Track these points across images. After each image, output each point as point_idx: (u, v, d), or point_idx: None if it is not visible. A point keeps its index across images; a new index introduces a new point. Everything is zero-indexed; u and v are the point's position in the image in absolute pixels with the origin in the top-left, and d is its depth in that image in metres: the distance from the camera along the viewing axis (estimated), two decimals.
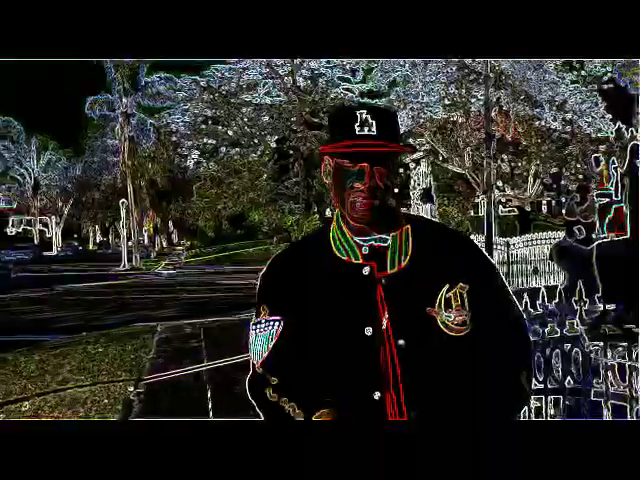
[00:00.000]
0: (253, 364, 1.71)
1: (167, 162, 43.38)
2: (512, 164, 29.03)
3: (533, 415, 2.65)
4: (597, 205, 8.40)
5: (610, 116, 27.91)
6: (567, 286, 7.00)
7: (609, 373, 2.20)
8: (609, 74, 28.01)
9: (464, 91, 27.36)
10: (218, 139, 38.73)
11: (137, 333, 10.53)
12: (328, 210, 33.24)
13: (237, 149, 38.22)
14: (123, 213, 33.23)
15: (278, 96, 35.98)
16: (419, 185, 34.58)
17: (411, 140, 32.22)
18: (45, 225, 55.48)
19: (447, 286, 1.59)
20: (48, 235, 54.65)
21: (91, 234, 61.90)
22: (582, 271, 6.92)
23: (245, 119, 36.78)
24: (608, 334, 2.09)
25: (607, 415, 2.21)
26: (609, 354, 2.09)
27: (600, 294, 5.91)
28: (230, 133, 37.68)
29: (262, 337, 1.67)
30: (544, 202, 32.27)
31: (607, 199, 8.10)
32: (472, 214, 29.67)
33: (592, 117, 27.62)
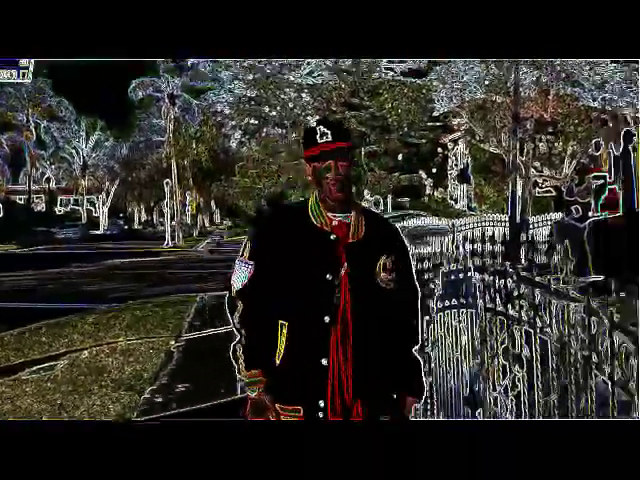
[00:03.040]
0: (232, 287, 2.40)
1: (211, 142, 44.36)
2: (549, 144, 29.05)
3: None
4: (593, 186, 9.04)
5: None
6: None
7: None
8: None
9: (504, 71, 27.40)
10: (260, 120, 39.47)
11: (178, 302, 11.42)
12: (366, 191, 33.76)
13: (279, 130, 38.93)
14: (167, 193, 34.37)
15: (320, 76, 36.51)
16: (457, 165, 34.89)
17: (449, 120, 32.49)
18: (92, 204, 57.27)
19: (385, 256, 2.34)
20: (95, 214, 56.42)
21: (136, 213, 63.57)
22: (577, 247, 7.52)
23: (287, 99, 37.43)
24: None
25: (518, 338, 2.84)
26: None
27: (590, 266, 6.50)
28: (273, 113, 38.37)
29: (240, 272, 2.38)
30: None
31: (602, 181, 8.78)
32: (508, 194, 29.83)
33: (631, 97, 27.44)
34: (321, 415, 2.26)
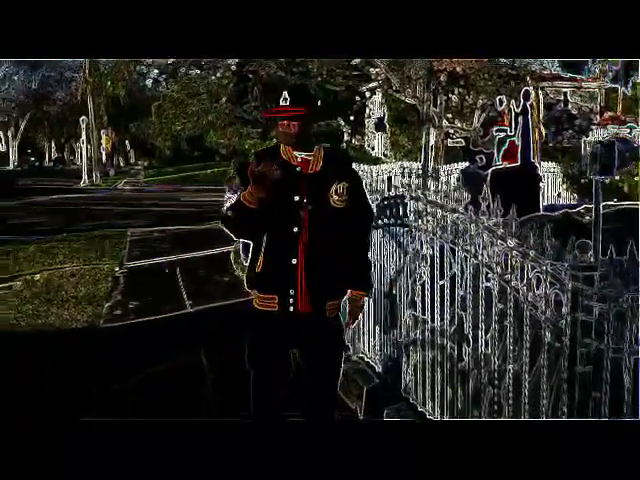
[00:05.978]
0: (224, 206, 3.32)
1: (127, 80, 43.53)
2: (460, 97, 30.39)
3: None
4: (496, 139, 10.27)
5: None
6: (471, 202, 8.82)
7: None
8: None
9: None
10: (178, 59, 38.98)
11: (112, 235, 12.01)
12: None
13: (197, 71, 38.66)
14: (83, 130, 33.86)
15: None
16: (373, 114, 35.92)
17: (367, 69, 33.30)
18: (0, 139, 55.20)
19: (336, 182, 3.15)
20: (2, 149, 54.45)
21: (47, 150, 61.71)
22: (480, 192, 8.70)
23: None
24: None
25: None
26: None
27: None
28: None
29: (234, 196, 3.31)
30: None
31: (504, 134, 10.01)
32: (421, 143, 31.09)
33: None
34: (291, 301, 3.09)
